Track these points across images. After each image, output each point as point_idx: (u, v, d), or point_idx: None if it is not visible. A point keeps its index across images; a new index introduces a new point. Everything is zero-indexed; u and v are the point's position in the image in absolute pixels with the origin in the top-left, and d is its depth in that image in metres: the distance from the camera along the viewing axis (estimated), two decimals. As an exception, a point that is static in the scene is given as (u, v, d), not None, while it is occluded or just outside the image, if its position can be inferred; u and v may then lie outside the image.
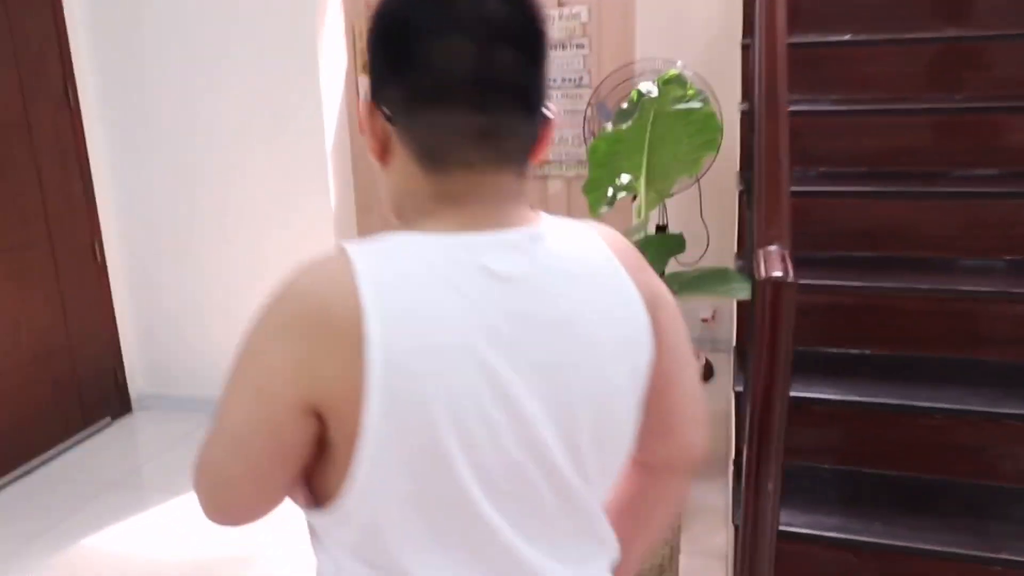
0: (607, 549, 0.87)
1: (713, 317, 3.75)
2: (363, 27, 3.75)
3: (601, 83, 3.42)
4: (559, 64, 4.10)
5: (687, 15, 3.58)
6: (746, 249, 2.22)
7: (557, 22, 3.95)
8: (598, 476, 0.80)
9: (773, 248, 1.45)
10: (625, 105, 2.68)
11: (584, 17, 3.96)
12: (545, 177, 4.26)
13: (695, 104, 2.13)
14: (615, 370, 0.77)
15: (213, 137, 3.27)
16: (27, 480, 3.03)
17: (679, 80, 2.69)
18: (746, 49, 2.68)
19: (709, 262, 3.33)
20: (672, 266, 2.19)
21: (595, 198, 2.27)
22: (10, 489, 2.97)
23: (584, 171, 4.17)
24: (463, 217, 0.74)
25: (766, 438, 1.35)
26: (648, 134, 2.14)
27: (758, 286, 1.35)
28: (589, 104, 3.51)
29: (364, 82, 4.17)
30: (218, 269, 3.44)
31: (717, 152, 2.22)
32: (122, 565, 2.48)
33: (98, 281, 3.41)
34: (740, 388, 2.00)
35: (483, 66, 0.71)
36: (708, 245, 3.38)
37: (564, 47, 4.09)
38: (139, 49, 3.24)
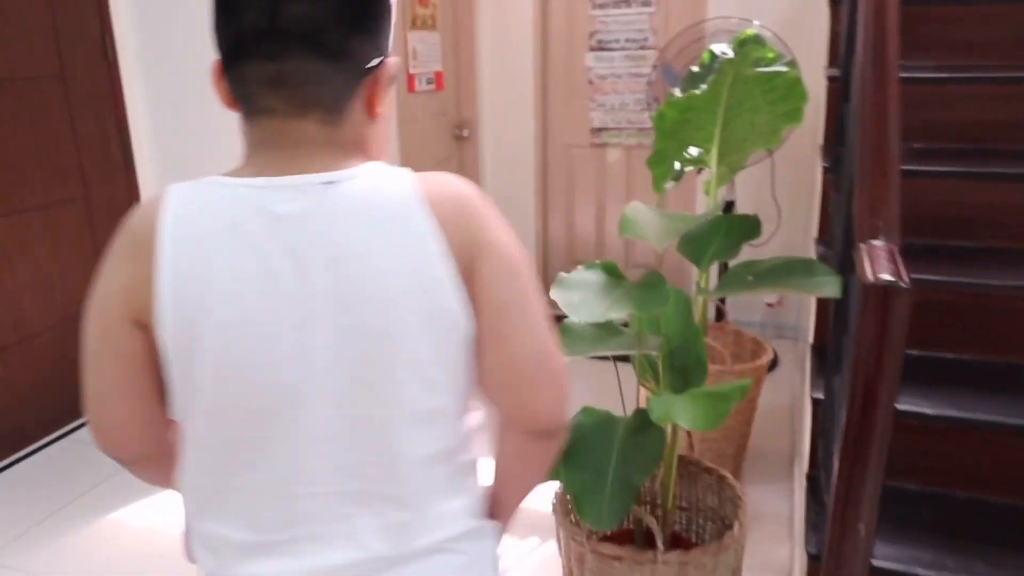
0: (417, 503, 0.86)
1: (779, 302, 3.50)
2: (414, -21, 3.53)
3: (668, 44, 3.15)
4: (622, 24, 3.82)
5: (766, -30, 3.28)
6: (831, 236, 1.97)
7: (622, -24, 3.68)
8: (409, 419, 0.83)
9: (879, 242, 1.22)
10: (696, 68, 2.43)
11: (651, -29, 3.68)
12: (604, 145, 4.01)
13: (781, 67, 1.86)
14: (402, 311, 0.79)
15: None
16: (60, 445, 2.96)
17: (757, 41, 2.41)
18: (836, 6, 2.39)
19: (779, 244, 3.07)
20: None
21: (660, 172, 2.02)
22: (43, 454, 2.90)
23: (645, 139, 3.93)
24: (263, 162, 0.81)
25: (859, 475, 1.13)
26: (724, 100, 1.88)
27: (863, 291, 1.12)
28: (654, 67, 3.25)
29: (413, 38, 3.91)
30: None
31: (800, 123, 1.96)
32: (150, 538, 2.39)
33: (135, 242, 3.30)
34: (820, 395, 1.78)
35: (269, 18, 0.77)
36: (778, 226, 3.12)
37: (628, 5, 3.80)
38: (179, -1, 3.08)
